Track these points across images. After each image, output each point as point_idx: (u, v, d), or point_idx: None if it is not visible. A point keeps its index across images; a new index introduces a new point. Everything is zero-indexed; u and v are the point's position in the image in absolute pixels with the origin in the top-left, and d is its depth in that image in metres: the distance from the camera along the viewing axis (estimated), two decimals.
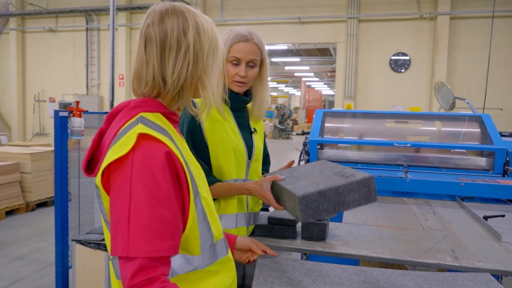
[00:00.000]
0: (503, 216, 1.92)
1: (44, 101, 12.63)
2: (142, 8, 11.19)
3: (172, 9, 0.98)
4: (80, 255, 2.88)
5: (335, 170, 1.41)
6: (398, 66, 9.91)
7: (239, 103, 1.55)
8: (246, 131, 1.59)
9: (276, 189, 1.40)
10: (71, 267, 3.13)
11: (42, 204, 5.93)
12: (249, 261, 1.36)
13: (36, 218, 5.43)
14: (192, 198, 0.95)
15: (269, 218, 1.61)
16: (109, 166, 0.89)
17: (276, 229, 1.60)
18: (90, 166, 1.01)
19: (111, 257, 0.98)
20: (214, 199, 1.45)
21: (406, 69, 9.85)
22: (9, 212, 5.45)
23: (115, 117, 1.00)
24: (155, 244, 0.84)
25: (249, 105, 1.64)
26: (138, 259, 0.82)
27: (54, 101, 12.42)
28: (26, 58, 12.75)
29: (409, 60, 9.79)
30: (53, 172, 5.87)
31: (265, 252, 1.36)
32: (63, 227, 3.08)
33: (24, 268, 3.76)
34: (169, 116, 1.02)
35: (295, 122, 22.75)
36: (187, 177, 0.94)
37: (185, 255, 0.97)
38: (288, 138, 19.09)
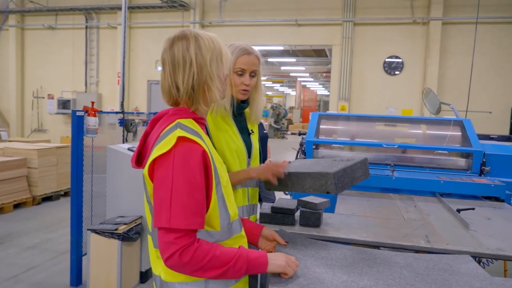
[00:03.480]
0: (473, 209, 2.22)
1: (43, 97, 12.82)
2: (141, 7, 11.42)
3: (178, 35, 1.28)
4: (94, 243, 3.15)
5: (329, 159, 1.75)
6: (391, 68, 10.22)
7: (238, 109, 1.81)
8: (245, 133, 1.84)
9: (289, 178, 1.65)
10: (84, 254, 3.40)
11: (47, 198, 6.18)
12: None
13: (42, 211, 5.68)
14: (214, 186, 1.24)
15: (272, 208, 1.90)
16: (154, 160, 1.18)
17: (278, 217, 1.88)
18: (138, 160, 1.31)
19: (150, 230, 1.28)
20: None
21: (399, 71, 10.17)
22: (17, 205, 5.71)
23: (157, 122, 1.31)
24: (191, 219, 1.13)
25: (246, 110, 1.91)
26: (178, 230, 1.12)
27: (52, 98, 12.61)
28: (25, 55, 12.92)
29: (402, 63, 10.11)
30: (57, 167, 6.14)
31: (287, 242, 1.62)
32: (78, 217, 3.35)
33: (37, 257, 4.02)
34: (199, 120, 1.31)
35: (290, 122, 23.06)
36: (212, 171, 1.23)
37: (208, 231, 1.26)
38: (283, 137, 19.37)
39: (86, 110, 3.32)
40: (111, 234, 3.10)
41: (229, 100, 1.74)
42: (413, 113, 10.01)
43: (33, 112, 12.93)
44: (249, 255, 1.22)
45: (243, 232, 1.41)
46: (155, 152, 1.17)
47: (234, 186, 1.73)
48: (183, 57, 1.23)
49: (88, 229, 3.17)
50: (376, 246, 1.76)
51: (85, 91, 12.41)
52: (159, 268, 1.26)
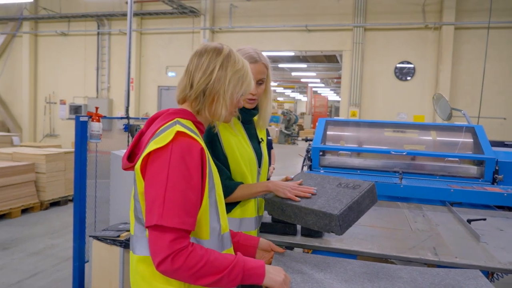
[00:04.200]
0: (484, 219, 2.12)
1: (55, 103, 12.96)
2: (152, 14, 11.49)
3: (214, 46, 1.30)
4: (96, 250, 3.11)
5: (334, 182, 1.62)
6: (403, 74, 10.09)
7: (248, 116, 1.76)
8: (255, 141, 1.79)
9: (291, 209, 1.57)
10: (87, 261, 3.36)
11: (55, 203, 6.20)
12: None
13: (49, 216, 5.69)
14: (208, 190, 1.19)
15: (273, 217, 1.83)
16: (148, 155, 1.13)
17: (279, 226, 1.81)
18: (129, 158, 1.25)
19: (132, 233, 1.22)
20: (235, 203, 1.64)
21: (411, 77, 10.03)
22: (24, 210, 5.72)
23: (154, 121, 1.27)
24: (184, 219, 1.08)
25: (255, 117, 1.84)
26: (173, 230, 1.06)
27: (64, 103, 12.73)
28: (38, 61, 13.11)
29: (414, 69, 9.98)
30: (65, 172, 6.15)
31: (285, 249, 1.57)
32: (81, 224, 3.31)
33: (41, 263, 4.00)
34: (197, 125, 1.28)
35: (301, 128, 22.95)
36: (207, 173, 1.19)
37: (196, 239, 1.19)
38: (293, 143, 19.28)
39: (90, 115, 3.30)
40: (113, 241, 3.05)
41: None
42: (425, 119, 9.85)
43: (45, 117, 13.08)
44: (246, 264, 1.16)
45: (232, 249, 1.35)
46: (151, 146, 1.13)
47: (249, 198, 1.67)
48: (208, 64, 1.26)
49: (90, 236, 3.13)
50: (381, 258, 1.68)
51: (97, 97, 12.52)
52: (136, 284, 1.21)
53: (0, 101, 13.25)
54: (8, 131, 12.65)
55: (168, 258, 1.05)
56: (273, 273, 1.20)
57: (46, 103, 13.02)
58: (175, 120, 1.20)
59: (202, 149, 1.15)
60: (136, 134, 1.28)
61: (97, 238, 3.11)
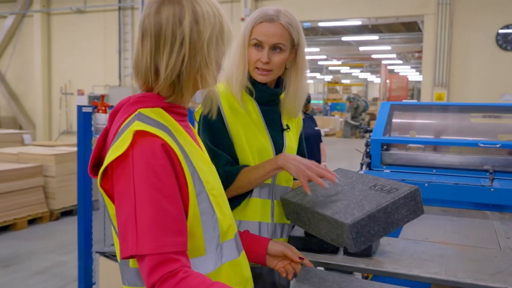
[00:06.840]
0: None
1: (72, 94, 13.56)
2: None
3: None
4: (104, 269, 3.19)
5: (369, 183, 1.53)
6: (508, 42, 9.69)
7: (266, 95, 1.69)
8: (276, 129, 1.72)
9: (303, 213, 1.51)
10: (94, 283, 3.46)
11: (67, 213, 6.49)
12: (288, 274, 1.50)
13: (60, 228, 5.97)
14: (194, 195, 1.12)
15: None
16: (111, 165, 1.08)
17: (313, 241, 1.72)
18: (98, 168, 1.20)
19: (119, 260, 1.18)
20: (243, 196, 1.61)
21: None
22: (32, 221, 6.02)
23: (117, 114, 1.21)
24: (162, 240, 1.02)
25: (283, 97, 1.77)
26: (151, 256, 1.01)
27: (82, 94, 13.26)
28: (51, 44, 13.78)
29: None
30: None
31: (302, 259, 1.49)
32: (87, 238, 3.41)
33: (45, 284, 4.19)
34: (172, 109, 1.20)
35: (372, 117, 22.40)
36: (187, 173, 1.11)
37: (189, 259, 1.12)
38: (363, 137, 18.90)
39: (95, 105, 3.38)
40: None
41: (244, 78, 1.63)
42: None
43: (61, 111, 13.72)
44: None
45: (240, 258, 1.28)
46: (110, 155, 1.08)
47: (259, 183, 1.63)
48: (173, 32, 1.11)
49: (96, 252, 3.22)
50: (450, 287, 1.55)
51: (119, 85, 12.94)
52: None
53: (10, 93, 14.08)
54: (20, 128, 13.42)
55: None
56: None
57: (62, 94, 13.66)
58: (136, 113, 1.13)
59: (163, 144, 1.08)
60: (101, 134, 1.22)
61: (104, 254, 3.18)
